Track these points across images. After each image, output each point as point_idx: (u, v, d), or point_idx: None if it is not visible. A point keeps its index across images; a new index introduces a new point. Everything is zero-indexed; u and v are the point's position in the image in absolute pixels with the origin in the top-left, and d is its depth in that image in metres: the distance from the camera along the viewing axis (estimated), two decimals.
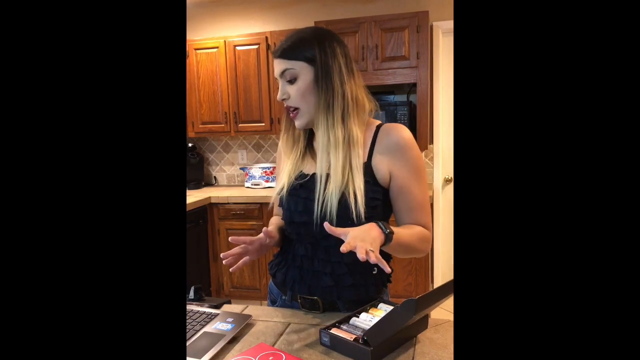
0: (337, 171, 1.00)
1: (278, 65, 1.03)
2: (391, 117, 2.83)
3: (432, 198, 2.83)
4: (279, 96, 1.03)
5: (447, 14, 3.00)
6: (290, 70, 1.01)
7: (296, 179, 1.07)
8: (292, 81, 1.02)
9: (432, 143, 3.10)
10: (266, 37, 3.11)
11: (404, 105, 2.83)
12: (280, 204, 1.10)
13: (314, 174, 1.06)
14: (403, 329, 0.87)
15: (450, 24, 3.00)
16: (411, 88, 2.94)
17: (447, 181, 3.17)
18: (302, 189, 1.05)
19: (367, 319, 0.93)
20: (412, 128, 2.83)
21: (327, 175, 1.01)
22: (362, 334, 0.87)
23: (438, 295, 0.84)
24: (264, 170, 3.29)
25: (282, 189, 1.08)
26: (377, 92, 2.94)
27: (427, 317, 0.96)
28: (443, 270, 3.24)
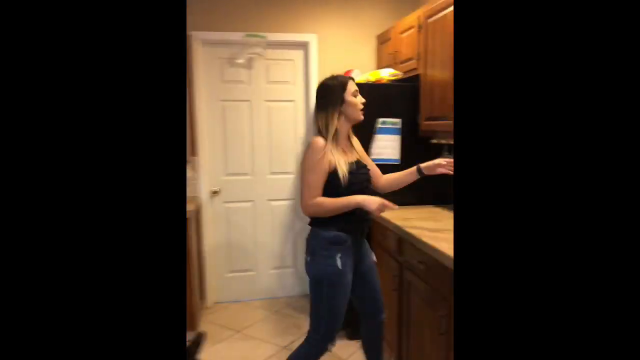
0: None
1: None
2: None
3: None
4: (363, 102, 1.76)
5: (206, 24, 2.97)
6: None
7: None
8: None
9: (197, 155, 3.04)
10: None
11: None
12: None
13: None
14: None
15: (206, 35, 2.96)
16: None
17: (214, 193, 3.15)
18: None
19: None
20: None
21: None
22: None
23: None
24: None
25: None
26: None
27: None
28: None
